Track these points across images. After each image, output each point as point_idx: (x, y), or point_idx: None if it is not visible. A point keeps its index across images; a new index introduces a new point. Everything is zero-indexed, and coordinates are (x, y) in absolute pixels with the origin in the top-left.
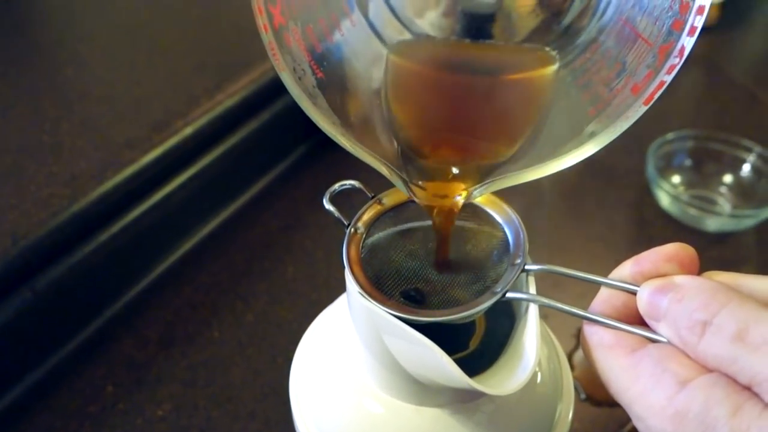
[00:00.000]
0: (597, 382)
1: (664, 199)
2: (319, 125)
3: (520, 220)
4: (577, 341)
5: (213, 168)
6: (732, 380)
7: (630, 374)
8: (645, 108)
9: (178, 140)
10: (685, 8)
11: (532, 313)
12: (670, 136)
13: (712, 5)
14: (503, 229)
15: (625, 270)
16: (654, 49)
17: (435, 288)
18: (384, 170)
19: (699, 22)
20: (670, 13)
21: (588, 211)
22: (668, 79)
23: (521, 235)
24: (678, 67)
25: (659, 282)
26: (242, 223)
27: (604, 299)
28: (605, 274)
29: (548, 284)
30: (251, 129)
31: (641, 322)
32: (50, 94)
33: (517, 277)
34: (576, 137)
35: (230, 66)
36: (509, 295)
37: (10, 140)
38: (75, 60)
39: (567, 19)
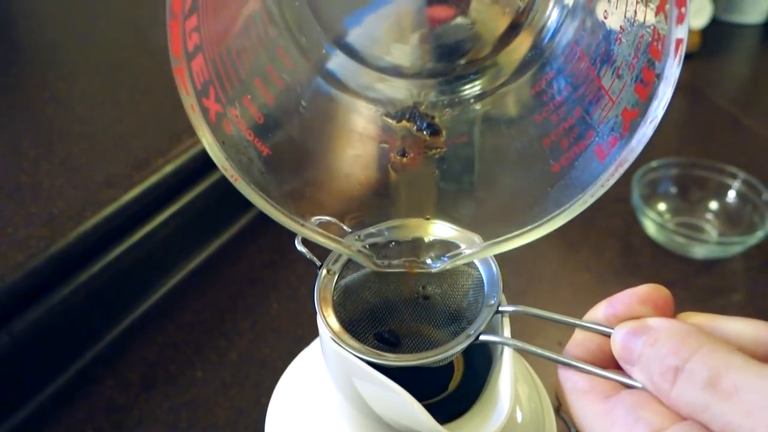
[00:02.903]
0: None
1: (651, 227)
2: (276, 219)
3: (495, 261)
4: None
5: (195, 205)
6: (705, 428)
7: (604, 422)
8: (615, 178)
9: (159, 178)
10: (649, 78)
11: (507, 356)
12: (654, 163)
13: (692, 31)
14: (478, 269)
15: (599, 312)
16: (617, 110)
17: (410, 329)
18: (344, 251)
19: (668, 95)
20: (632, 74)
21: (574, 240)
22: (638, 149)
23: (496, 276)
24: (648, 138)
25: (633, 325)
26: (226, 260)
27: (579, 342)
28: (593, 306)
29: (535, 318)
30: None
31: (616, 366)
32: (30, 133)
33: (491, 318)
34: (541, 202)
35: None
36: (482, 337)
37: None
38: (55, 98)
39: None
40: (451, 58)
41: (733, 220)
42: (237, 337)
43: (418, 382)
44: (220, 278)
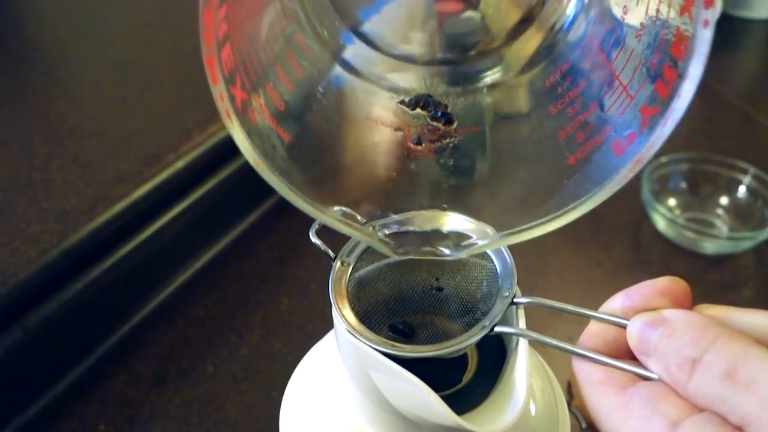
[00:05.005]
0: None
1: (661, 223)
2: (299, 206)
3: (509, 252)
4: None
5: (205, 201)
6: (723, 420)
7: (620, 413)
8: (632, 174)
9: (169, 174)
10: (671, 76)
11: (522, 348)
12: (664, 159)
13: None
14: (492, 260)
15: (616, 303)
16: (636, 107)
17: (424, 320)
18: (366, 239)
19: (690, 94)
20: (653, 72)
21: (584, 235)
22: (657, 146)
23: (510, 267)
24: (666, 136)
25: (649, 316)
26: (236, 256)
27: (594, 333)
28: (603, 300)
29: (546, 311)
30: (244, 161)
31: (632, 357)
32: (41, 130)
33: (506, 310)
34: (557, 194)
35: None
36: (497, 329)
37: (1, 177)
38: (66, 96)
39: (536, 22)
40: (461, 49)
41: (743, 215)
42: (248, 332)
43: (433, 375)
44: (230, 274)
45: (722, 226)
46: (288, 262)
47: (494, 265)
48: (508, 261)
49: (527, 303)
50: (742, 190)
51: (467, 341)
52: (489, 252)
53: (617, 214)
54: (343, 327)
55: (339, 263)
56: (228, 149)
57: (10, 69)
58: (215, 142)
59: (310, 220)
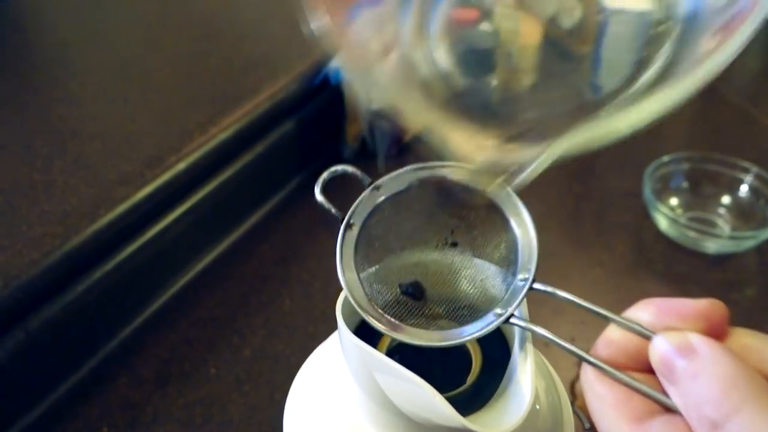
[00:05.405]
0: None
1: (663, 222)
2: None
3: (535, 230)
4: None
5: (207, 202)
6: None
7: None
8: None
9: (171, 175)
10: None
11: (527, 348)
12: (665, 158)
13: None
14: (512, 227)
15: (644, 316)
16: None
17: (435, 282)
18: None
19: None
20: None
21: (585, 235)
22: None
23: (532, 241)
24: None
25: (676, 339)
26: (238, 257)
27: (613, 340)
28: (605, 301)
29: (548, 310)
30: (245, 162)
31: (652, 371)
32: (42, 132)
33: (525, 295)
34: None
35: (223, 100)
36: (513, 320)
37: (2, 179)
38: (67, 97)
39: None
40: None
41: (745, 214)
42: (250, 333)
43: (437, 376)
44: (232, 275)
45: (724, 226)
46: (290, 263)
47: (514, 233)
48: (531, 232)
49: (544, 291)
50: (744, 190)
51: (482, 331)
52: (510, 220)
53: (619, 214)
54: (346, 330)
55: (346, 224)
56: (229, 151)
57: (10, 70)
58: (217, 144)
59: (311, 221)
